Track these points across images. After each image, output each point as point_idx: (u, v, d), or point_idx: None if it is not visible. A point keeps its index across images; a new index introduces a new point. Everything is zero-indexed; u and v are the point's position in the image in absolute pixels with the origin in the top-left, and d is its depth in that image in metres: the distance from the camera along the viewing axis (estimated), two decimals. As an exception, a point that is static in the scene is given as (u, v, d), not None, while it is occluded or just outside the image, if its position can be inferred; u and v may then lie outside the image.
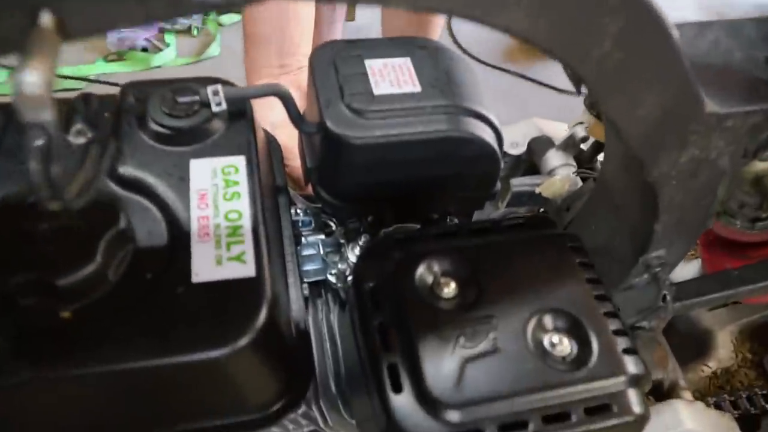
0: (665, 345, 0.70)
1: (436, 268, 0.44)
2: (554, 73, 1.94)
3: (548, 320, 0.42)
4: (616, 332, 0.43)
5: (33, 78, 0.25)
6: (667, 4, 0.36)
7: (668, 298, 0.59)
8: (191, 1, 0.28)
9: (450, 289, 0.43)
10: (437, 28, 1.44)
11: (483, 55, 2.04)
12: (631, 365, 0.42)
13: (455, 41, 2.12)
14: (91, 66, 1.81)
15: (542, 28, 0.33)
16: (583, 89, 0.43)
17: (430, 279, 0.43)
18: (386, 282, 0.44)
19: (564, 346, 0.41)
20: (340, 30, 1.59)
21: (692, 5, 0.49)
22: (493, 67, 2.00)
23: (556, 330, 0.42)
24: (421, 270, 0.44)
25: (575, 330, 0.42)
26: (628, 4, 0.34)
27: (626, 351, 0.42)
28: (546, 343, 0.42)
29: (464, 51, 2.08)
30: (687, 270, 0.84)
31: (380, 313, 0.43)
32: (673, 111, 0.41)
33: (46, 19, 0.27)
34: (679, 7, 0.48)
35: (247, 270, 0.43)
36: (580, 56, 0.36)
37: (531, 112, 1.85)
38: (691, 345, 0.86)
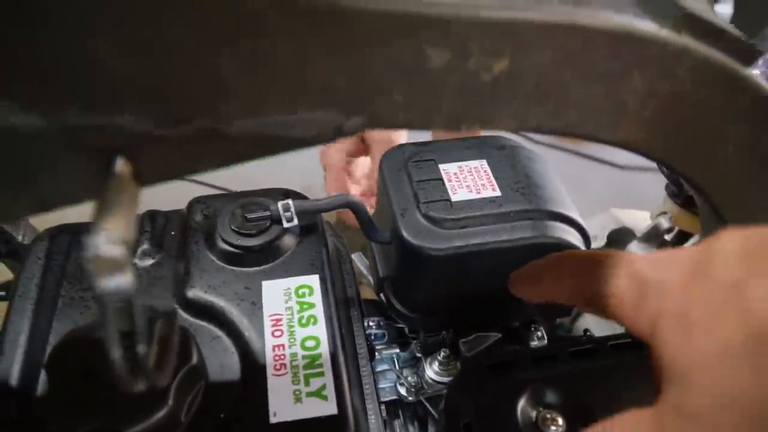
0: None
1: (539, 400, 0.39)
2: (611, 149, 1.88)
3: (675, 461, 0.37)
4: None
5: (110, 238, 0.22)
6: None
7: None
8: (283, 138, 0.25)
9: (558, 426, 0.38)
10: None
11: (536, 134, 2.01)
12: None
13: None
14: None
15: (660, 141, 0.30)
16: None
17: (533, 414, 0.39)
18: (485, 417, 0.39)
19: (697, 492, 0.36)
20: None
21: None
22: (548, 146, 1.96)
23: (686, 473, 0.36)
24: (522, 403, 0.39)
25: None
26: (756, 108, 0.30)
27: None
28: (675, 489, 0.36)
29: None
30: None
31: (479, 454, 0.38)
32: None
33: (120, 165, 0.25)
34: None
35: (329, 407, 0.40)
36: (699, 166, 0.32)
37: (591, 190, 1.81)
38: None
